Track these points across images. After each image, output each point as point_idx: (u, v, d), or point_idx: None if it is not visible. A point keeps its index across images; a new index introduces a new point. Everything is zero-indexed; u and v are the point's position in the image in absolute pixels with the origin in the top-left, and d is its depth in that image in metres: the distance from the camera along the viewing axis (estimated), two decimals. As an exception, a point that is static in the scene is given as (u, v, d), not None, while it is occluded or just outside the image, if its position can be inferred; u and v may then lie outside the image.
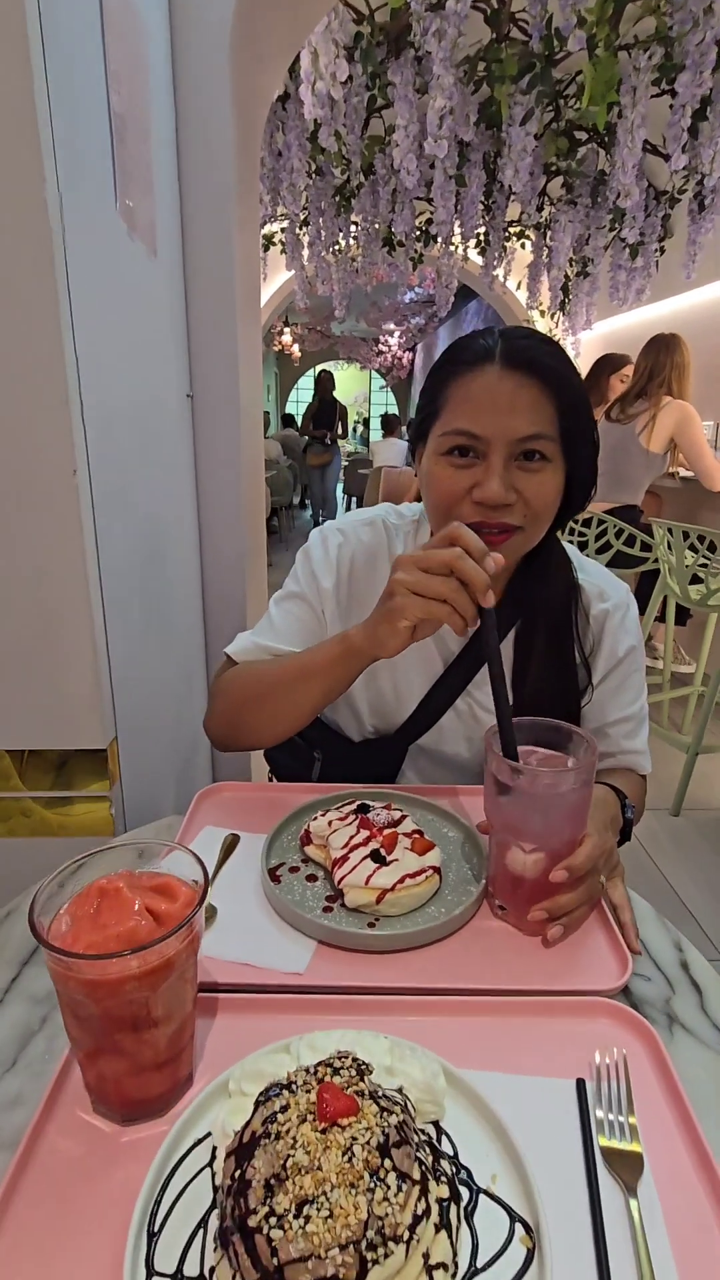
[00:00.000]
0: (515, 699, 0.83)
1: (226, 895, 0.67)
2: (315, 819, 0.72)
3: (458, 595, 0.62)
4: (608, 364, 3.28)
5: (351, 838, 0.67)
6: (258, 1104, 0.40)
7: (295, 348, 12.49)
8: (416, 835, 0.68)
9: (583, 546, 2.89)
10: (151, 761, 1.02)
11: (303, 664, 0.77)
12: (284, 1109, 0.39)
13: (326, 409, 8.21)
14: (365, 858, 0.65)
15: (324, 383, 8.28)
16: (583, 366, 4.67)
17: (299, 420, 9.48)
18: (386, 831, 0.68)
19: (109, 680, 0.84)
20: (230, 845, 0.75)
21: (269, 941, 0.61)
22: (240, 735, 0.84)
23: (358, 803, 0.74)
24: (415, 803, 0.80)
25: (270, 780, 1.07)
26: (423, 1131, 0.43)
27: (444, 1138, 0.45)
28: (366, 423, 13.97)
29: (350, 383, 15.27)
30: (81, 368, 0.75)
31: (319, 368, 14.61)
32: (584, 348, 4.95)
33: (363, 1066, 0.42)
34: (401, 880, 0.63)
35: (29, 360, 0.70)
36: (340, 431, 8.48)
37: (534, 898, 0.62)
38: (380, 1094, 0.41)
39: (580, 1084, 0.48)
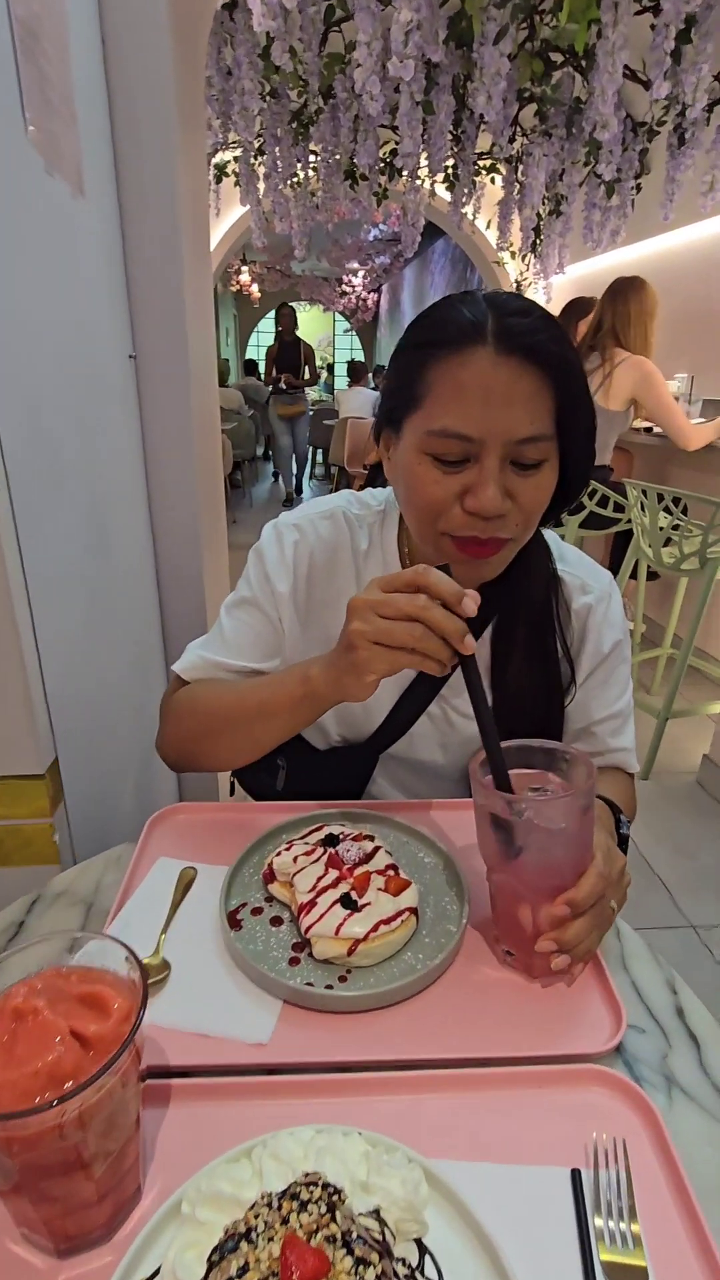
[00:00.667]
0: (494, 699, 0.77)
1: (182, 946, 0.60)
2: (279, 854, 0.65)
3: (426, 642, 0.54)
4: (577, 309, 3.14)
5: (320, 879, 0.61)
6: (211, 1263, 0.34)
7: (254, 288, 11.88)
8: (390, 872, 0.62)
9: (555, 507, 2.82)
10: (103, 777, 0.94)
11: (261, 701, 0.69)
12: (243, 1271, 0.33)
13: (289, 351, 6.91)
14: (335, 903, 0.59)
15: (285, 319, 6.99)
16: (554, 310, 4.50)
17: (261, 366, 8.91)
18: (358, 872, 0.61)
19: (43, 696, 0.75)
20: (188, 882, 0.68)
21: (228, 1004, 0.55)
22: (196, 763, 0.78)
23: (325, 831, 0.68)
24: (388, 823, 0.74)
25: (233, 790, 1.00)
26: (404, 1261, 0.38)
27: (427, 1257, 0.40)
28: (331, 369, 13.45)
29: (313, 326, 14.64)
30: (-9, 336, 0.64)
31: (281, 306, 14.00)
32: (555, 291, 4.77)
33: (333, 1198, 0.37)
34: (375, 928, 0.57)
35: None
36: (308, 376, 7.11)
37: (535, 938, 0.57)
38: (354, 1235, 0.35)
39: (575, 1176, 0.44)
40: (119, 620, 1.07)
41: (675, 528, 2.31)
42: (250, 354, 13.37)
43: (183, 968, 0.58)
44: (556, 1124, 0.47)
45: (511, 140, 3.19)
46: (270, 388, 7.13)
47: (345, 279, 12.30)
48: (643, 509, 2.41)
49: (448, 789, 0.88)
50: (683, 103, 2.44)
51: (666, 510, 2.32)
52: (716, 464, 3.04)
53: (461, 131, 3.13)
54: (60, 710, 0.79)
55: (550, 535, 0.82)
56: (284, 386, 6.70)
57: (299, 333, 7.20)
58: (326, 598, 0.78)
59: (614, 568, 3.20)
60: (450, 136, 2.95)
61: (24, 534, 0.71)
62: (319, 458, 9.45)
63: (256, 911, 0.64)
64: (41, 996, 0.37)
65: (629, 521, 2.68)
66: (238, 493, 7.45)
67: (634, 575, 2.82)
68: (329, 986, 0.56)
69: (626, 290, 2.63)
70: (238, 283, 11.46)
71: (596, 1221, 0.41)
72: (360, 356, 13.75)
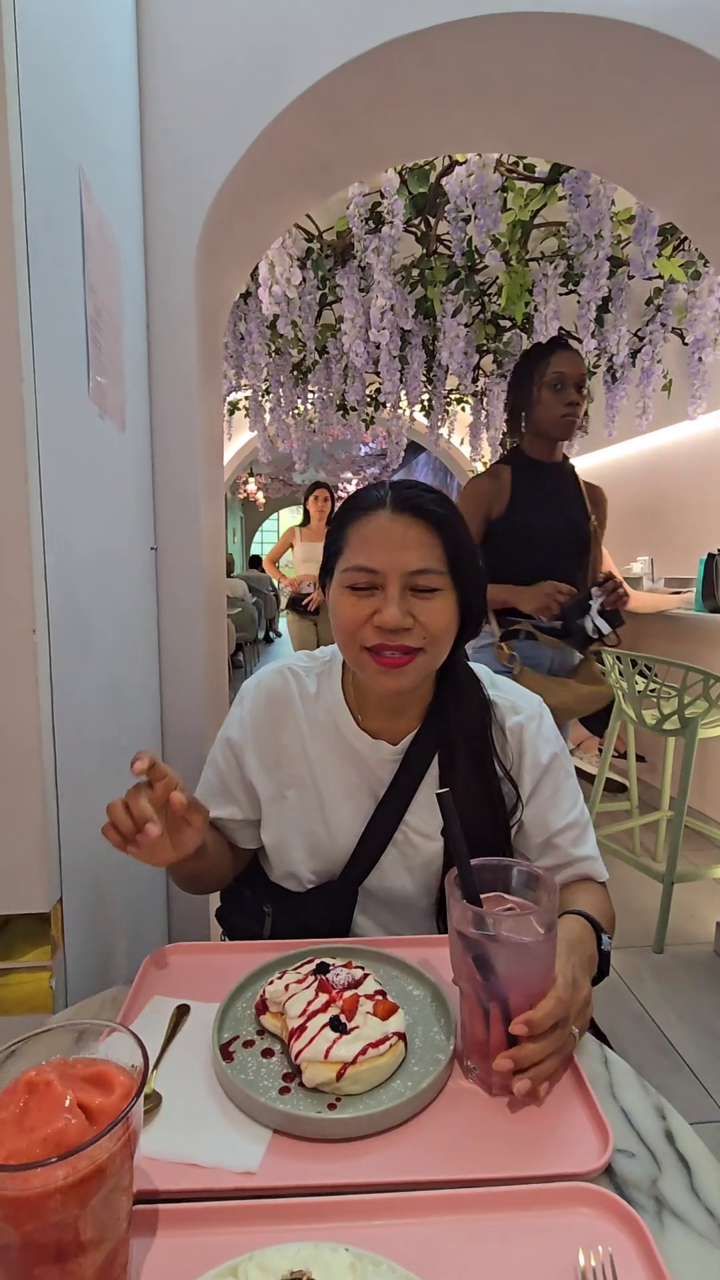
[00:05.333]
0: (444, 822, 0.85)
1: (173, 1077, 0.61)
2: (271, 983, 0.68)
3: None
4: None
5: (309, 1003, 0.63)
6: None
7: (259, 495, 13.29)
8: (379, 997, 0.65)
9: (539, 676, 2.98)
10: (101, 922, 0.96)
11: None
12: None
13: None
14: (324, 1025, 0.61)
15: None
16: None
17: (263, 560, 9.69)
18: (347, 995, 0.64)
19: (56, 838, 0.81)
20: (180, 1017, 0.69)
21: (218, 1134, 0.56)
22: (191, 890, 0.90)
23: (317, 961, 0.70)
24: (378, 957, 0.76)
25: (225, 938, 1.01)
26: None
27: None
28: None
29: (312, 525, 16.07)
30: (47, 530, 0.80)
31: (282, 512, 15.43)
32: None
33: (319, 1290, 0.38)
34: (364, 1051, 0.59)
35: (-4, 528, 0.75)
36: None
37: (500, 1051, 0.59)
38: (339, 1325, 0.36)
39: (565, 1293, 0.43)
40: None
41: (653, 691, 2.45)
42: (255, 550, 14.58)
43: (173, 1099, 0.59)
44: (547, 1244, 0.47)
45: (475, 380, 3.85)
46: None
47: (340, 486, 13.81)
48: (620, 675, 2.57)
49: (420, 919, 0.91)
50: (610, 353, 3.01)
51: (642, 674, 2.47)
52: (679, 633, 3.27)
53: (432, 375, 3.78)
54: (69, 852, 0.84)
55: (482, 668, 0.94)
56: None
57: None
58: (282, 741, 0.90)
59: (599, 732, 3.30)
60: (423, 379, 3.57)
61: (58, 699, 0.82)
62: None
63: (248, 1044, 0.65)
64: (53, 1070, 0.41)
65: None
66: (239, 671, 7.75)
67: (622, 754, 2.91)
68: (318, 1113, 0.56)
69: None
70: (245, 491, 12.85)
71: (585, 1332, 0.40)
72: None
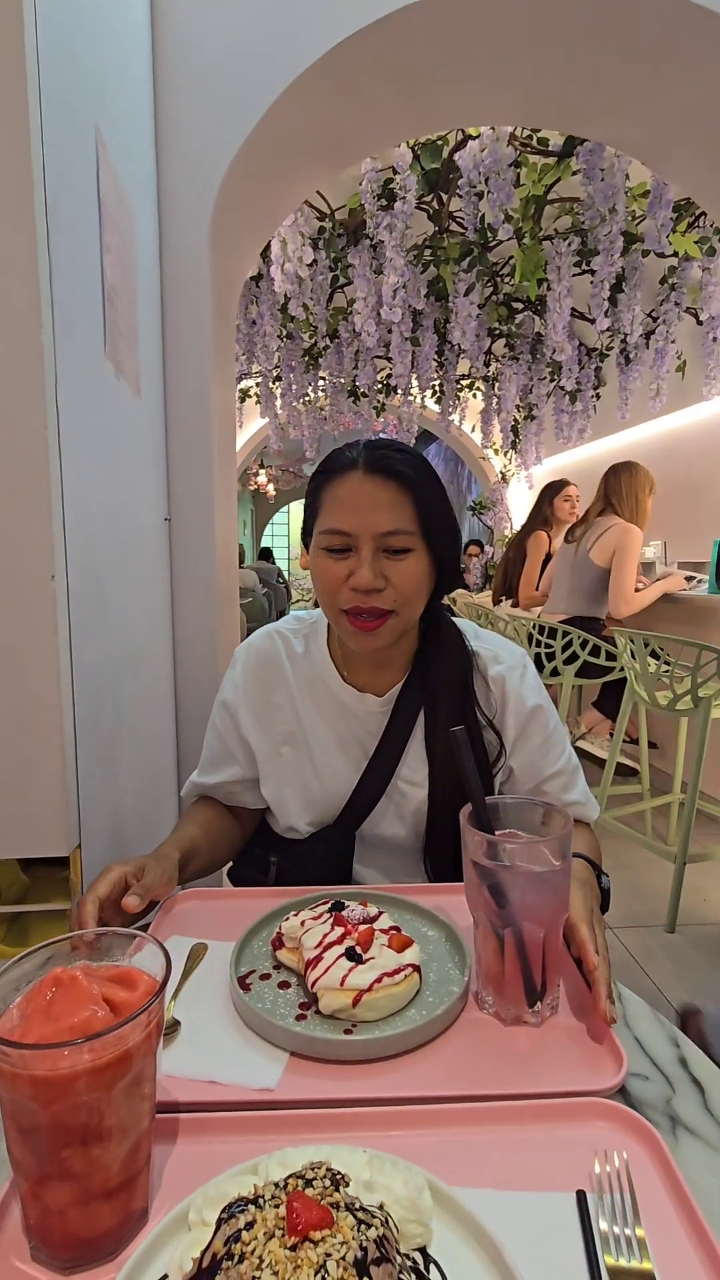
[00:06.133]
0: (430, 770, 0.89)
1: (192, 1008, 0.62)
2: (287, 919, 0.69)
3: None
4: (550, 489, 3.60)
5: (325, 935, 0.64)
6: (220, 1222, 0.36)
7: (270, 487, 13.29)
8: (394, 931, 0.66)
9: (550, 657, 2.98)
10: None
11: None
12: (249, 1225, 0.35)
13: None
14: (340, 956, 0.62)
15: None
16: (536, 496, 5.03)
17: (273, 552, 9.64)
18: (362, 928, 0.65)
19: (75, 787, 0.82)
20: (198, 955, 0.70)
21: (237, 1055, 0.57)
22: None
23: (332, 901, 0.71)
24: (393, 902, 0.77)
25: (235, 889, 1.03)
26: (409, 1257, 0.38)
27: (432, 1266, 0.40)
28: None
29: (322, 518, 16.05)
30: (65, 482, 0.81)
31: (292, 504, 15.43)
32: (536, 480, 5.37)
33: (338, 1177, 0.38)
34: (379, 979, 0.60)
35: (17, 473, 0.76)
36: None
37: (516, 981, 0.60)
38: (358, 1206, 0.37)
39: (581, 1196, 0.44)
40: (140, 738, 1.16)
41: (665, 672, 2.44)
42: (265, 543, 14.59)
43: (193, 1025, 0.60)
44: (561, 1154, 0.47)
45: (486, 364, 3.83)
46: None
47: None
48: (633, 655, 2.56)
49: (415, 864, 0.94)
50: (624, 333, 2.99)
51: (654, 655, 2.46)
52: (691, 616, 3.25)
53: (444, 359, 3.77)
54: (87, 801, 0.86)
55: (465, 622, 0.96)
56: None
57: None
58: (273, 699, 0.93)
59: (611, 714, 3.29)
60: (435, 363, 3.56)
61: (76, 647, 0.83)
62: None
63: (265, 977, 0.66)
64: (79, 969, 0.42)
65: (621, 670, 2.82)
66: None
67: (634, 740, 2.91)
68: (335, 1036, 0.57)
69: (620, 471, 3.06)
70: (255, 483, 12.85)
71: (601, 1225, 0.41)
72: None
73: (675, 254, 2.66)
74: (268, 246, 2.51)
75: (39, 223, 0.76)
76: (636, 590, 3.02)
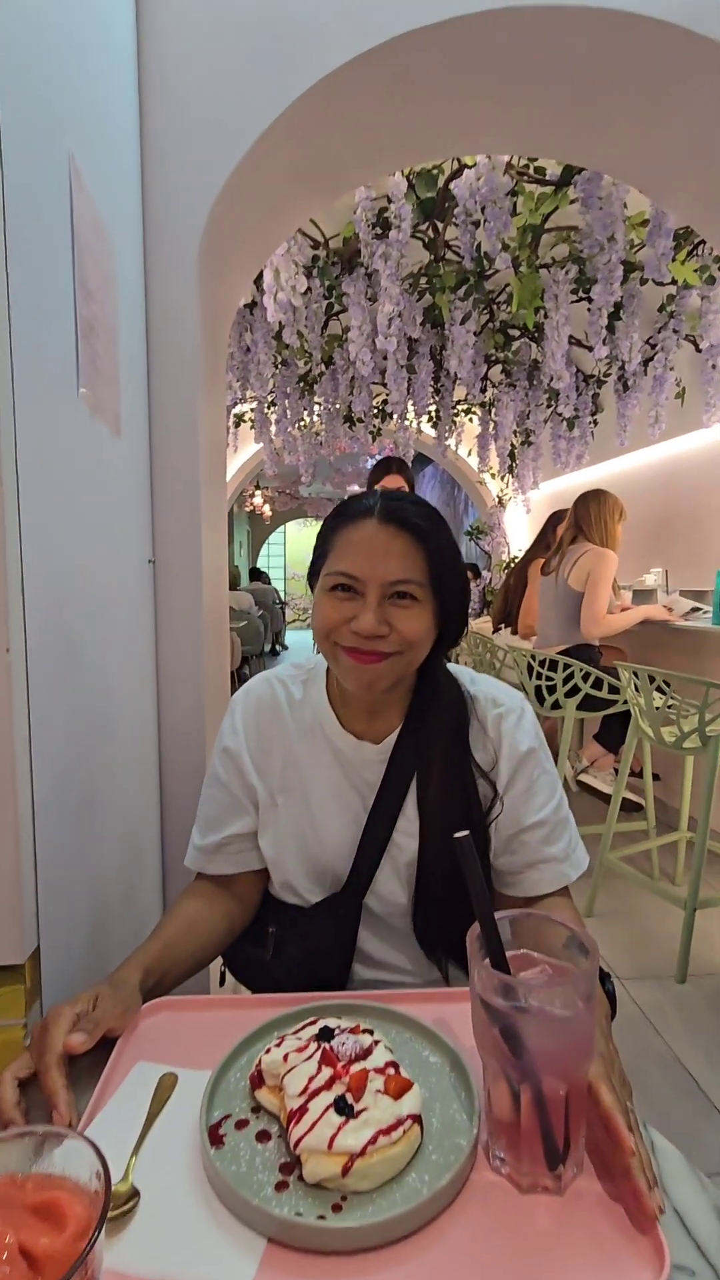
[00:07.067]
0: (420, 818, 0.84)
1: (155, 1169, 0.53)
2: (269, 1051, 0.60)
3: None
4: (555, 518, 3.56)
5: (311, 1079, 0.55)
6: None
7: (266, 508, 13.29)
8: (390, 1070, 0.57)
9: (550, 689, 2.90)
10: (85, 971, 0.88)
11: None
12: None
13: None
14: (328, 1108, 0.53)
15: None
16: (534, 521, 5.00)
17: (268, 574, 9.62)
18: (354, 1070, 0.56)
19: (34, 879, 0.73)
20: (166, 1089, 0.61)
21: (204, 1242, 0.47)
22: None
23: (320, 1025, 0.62)
24: (387, 1015, 0.68)
25: (223, 979, 0.94)
26: None
27: None
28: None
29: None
30: (27, 542, 0.73)
31: (289, 525, 15.44)
32: (533, 505, 5.33)
33: None
34: (374, 1139, 0.51)
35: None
36: None
37: (534, 1141, 0.51)
38: None
39: None
40: (114, 810, 1.07)
41: (671, 707, 2.36)
42: (261, 564, 14.57)
43: (154, 1196, 0.51)
44: None
45: (483, 390, 3.80)
46: None
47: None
48: (636, 690, 2.48)
49: (408, 926, 0.88)
50: (621, 360, 2.95)
51: (659, 690, 2.38)
52: (695, 647, 3.18)
53: (440, 385, 3.73)
54: (47, 898, 0.77)
55: (461, 669, 0.93)
56: None
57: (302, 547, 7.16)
58: (271, 746, 0.90)
59: (614, 748, 3.21)
60: (431, 389, 3.52)
61: (35, 719, 0.75)
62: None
63: (241, 1124, 0.57)
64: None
65: (624, 703, 2.74)
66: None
67: (637, 774, 2.82)
68: (321, 1217, 0.48)
69: (589, 499, 3.07)
70: (251, 504, 12.84)
71: None
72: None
73: (674, 281, 2.63)
74: (261, 273, 2.47)
75: None
76: (613, 613, 3.01)
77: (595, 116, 1.59)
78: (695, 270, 2.56)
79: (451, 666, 0.92)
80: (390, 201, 2.16)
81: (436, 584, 0.80)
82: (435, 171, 2.20)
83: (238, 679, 7.32)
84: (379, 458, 2.43)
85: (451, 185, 2.13)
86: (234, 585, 8.24)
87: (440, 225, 2.49)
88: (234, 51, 1.35)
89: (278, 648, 10.02)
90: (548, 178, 2.21)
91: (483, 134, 1.72)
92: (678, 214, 1.91)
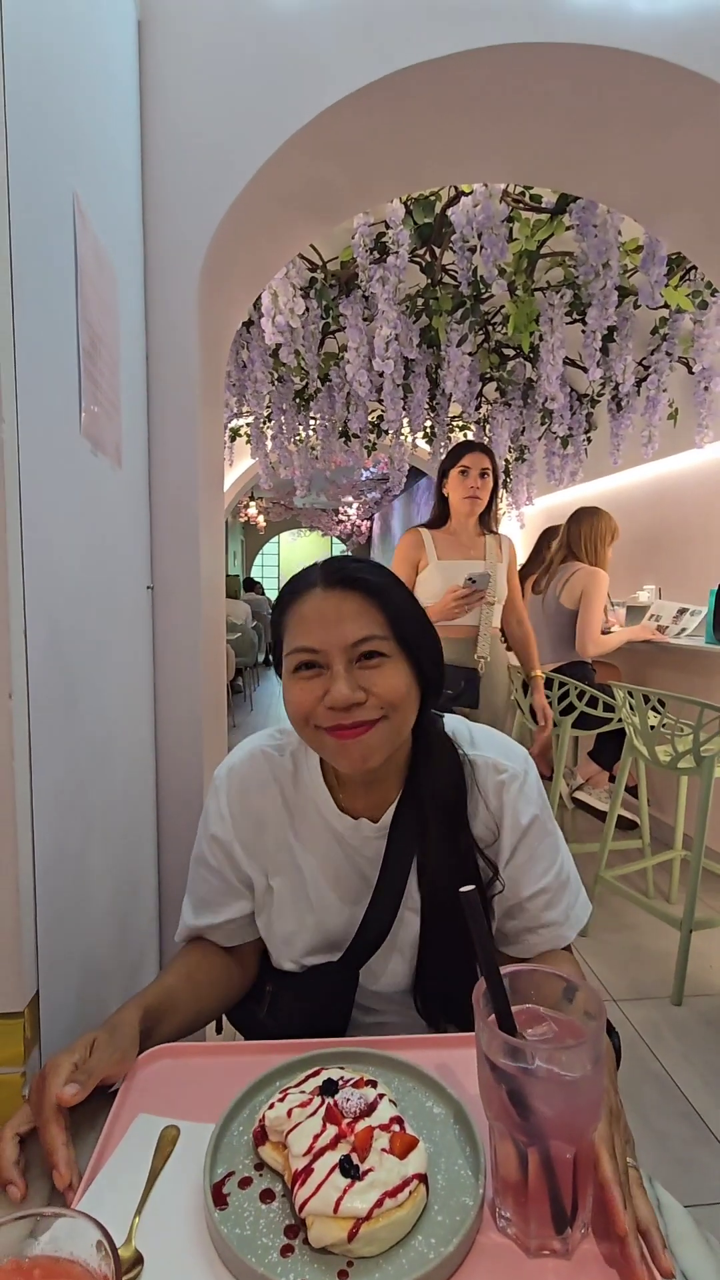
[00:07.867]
0: (420, 892, 0.81)
1: (158, 1231, 0.52)
2: (273, 1105, 0.59)
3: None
4: (549, 534, 3.59)
5: (316, 1137, 0.55)
6: None
7: (260, 519, 13.31)
8: (396, 1127, 0.56)
9: (546, 709, 2.91)
10: (86, 1019, 0.87)
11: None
12: None
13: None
14: (333, 1168, 0.52)
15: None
16: (529, 536, 5.02)
17: (262, 584, 9.61)
18: (360, 1128, 0.55)
19: (33, 924, 0.73)
20: (168, 1143, 0.61)
21: (209, 1314, 0.47)
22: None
23: (324, 1077, 0.62)
24: (389, 1064, 0.68)
25: (220, 1027, 0.93)
26: None
27: None
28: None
29: (312, 548, 16.18)
30: (27, 583, 0.73)
31: (282, 535, 15.47)
32: (528, 520, 5.36)
33: None
34: (379, 1202, 0.50)
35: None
36: None
37: (541, 1204, 0.50)
38: None
39: None
40: (113, 847, 1.06)
41: (665, 727, 2.37)
42: (255, 574, 14.58)
43: (157, 1261, 0.50)
44: None
45: (478, 408, 3.83)
46: None
47: (341, 510, 13.84)
48: (631, 709, 2.49)
49: (406, 997, 0.87)
50: (615, 381, 2.98)
51: (654, 710, 2.39)
52: (688, 665, 3.20)
53: (435, 403, 3.76)
54: (47, 941, 0.76)
55: (459, 722, 0.89)
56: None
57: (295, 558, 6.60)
58: (263, 829, 0.86)
59: (609, 765, 3.22)
60: (426, 407, 3.54)
61: (37, 762, 0.75)
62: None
63: (245, 1183, 0.56)
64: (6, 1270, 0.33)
65: (619, 721, 2.75)
66: (239, 697, 7.66)
67: (631, 791, 2.83)
68: (327, 1286, 0.48)
69: (583, 519, 3.10)
70: (246, 515, 12.86)
71: None
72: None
73: (667, 306, 2.66)
74: (259, 295, 2.48)
75: (1, 301, 0.69)
76: (605, 633, 3.04)
77: (590, 148, 1.62)
78: (688, 295, 2.60)
79: (450, 720, 0.88)
80: (388, 227, 2.18)
81: (401, 636, 0.76)
82: (433, 198, 2.23)
83: (232, 691, 7.30)
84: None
85: (449, 212, 2.16)
86: (233, 595, 8.23)
87: (437, 250, 2.52)
88: (235, 86, 1.36)
89: (270, 658, 10.02)
90: (543, 205, 2.24)
91: (480, 163, 1.74)
92: (670, 241, 1.94)
